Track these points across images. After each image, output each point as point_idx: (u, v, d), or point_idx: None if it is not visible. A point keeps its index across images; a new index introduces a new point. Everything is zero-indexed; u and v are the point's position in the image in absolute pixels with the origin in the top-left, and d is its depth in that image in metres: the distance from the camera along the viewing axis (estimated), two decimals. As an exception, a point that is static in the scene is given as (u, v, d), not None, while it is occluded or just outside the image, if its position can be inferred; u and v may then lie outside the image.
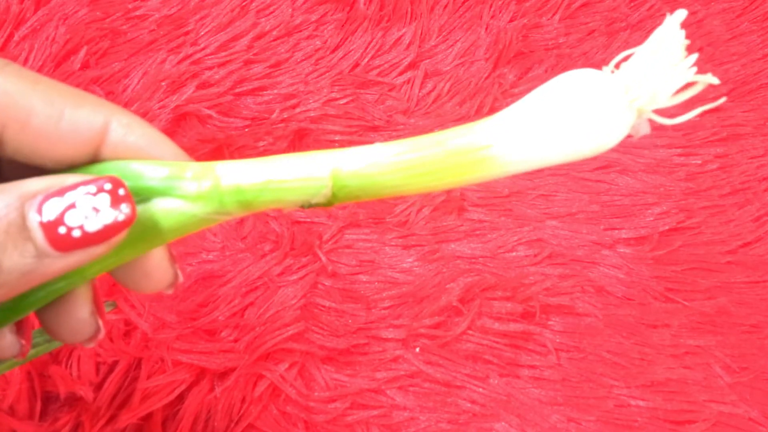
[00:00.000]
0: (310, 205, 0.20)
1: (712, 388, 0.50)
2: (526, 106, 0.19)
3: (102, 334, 0.21)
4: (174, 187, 0.19)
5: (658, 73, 0.18)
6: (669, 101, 0.18)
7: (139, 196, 0.19)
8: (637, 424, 0.47)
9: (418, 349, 0.46)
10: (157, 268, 0.21)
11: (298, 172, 0.19)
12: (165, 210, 0.19)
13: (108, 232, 0.17)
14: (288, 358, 0.44)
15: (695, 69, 0.18)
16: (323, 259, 0.48)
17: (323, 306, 0.47)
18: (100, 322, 0.21)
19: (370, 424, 0.44)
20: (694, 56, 0.18)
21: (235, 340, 0.44)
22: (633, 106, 0.18)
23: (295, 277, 0.47)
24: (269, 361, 0.44)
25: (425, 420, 0.44)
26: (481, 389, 0.46)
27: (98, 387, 0.41)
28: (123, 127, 0.20)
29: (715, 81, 0.18)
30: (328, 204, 0.20)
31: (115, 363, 0.42)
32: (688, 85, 0.18)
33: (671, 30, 0.18)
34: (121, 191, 0.18)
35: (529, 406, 0.46)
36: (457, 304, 0.48)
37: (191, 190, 0.19)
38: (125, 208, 0.17)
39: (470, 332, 0.48)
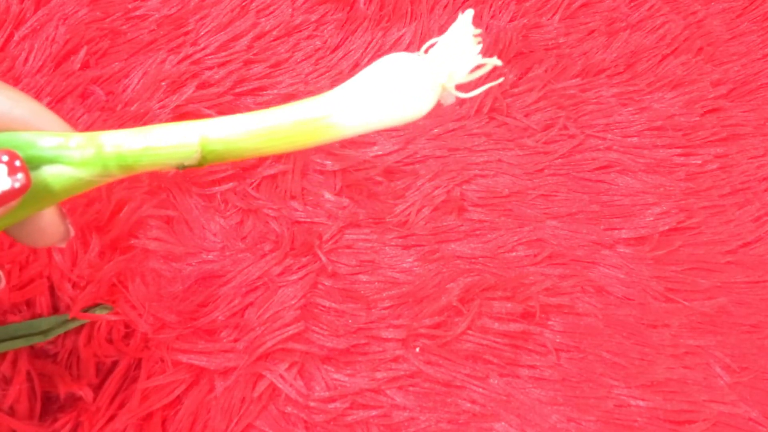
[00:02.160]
0: (184, 167, 0.23)
1: (712, 388, 0.50)
2: (356, 83, 0.24)
3: (2, 284, 0.25)
4: (61, 155, 0.22)
5: (455, 57, 0.23)
6: (465, 78, 0.24)
7: (30, 163, 0.21)
8: (637, 424, 0.47)
9: (418, 349, 0.46)
10: (50, 225, 0.24)
11: (171, 140, 0.22)
12: (54, 175, 0.22)
13: (5, 198, 0.20)
14: (288, 358, 0.44)
15: (481, 55, 0.24)
16: (323, 259, 0.48)
17: (323, 306, 0.47)
18: (1, 273, 0.25)
19: (370, 424, 0.44)
20: (480, 45, 0.23)
21: (235, 340, 0.44)
22: (437, 82, 0.24)
23: (295, 277, 0.47)
24: (269, 361, 0.44)
25: (425, 420, 0.44)
26: (481, 389, 0.46)
27: (98, 387, 0.41)
28: (9, 101, 0.22)
29: (498, 63, 0.24)
30: (199, 165, 0.23)
31: (115, 363, 0.42)
32: (480, 66, 0.24)
33: (464, 24, 0.23)
34: (17, 162, 0.20)
35: (529, 406, 0.46)
36: (457, 304, 0.48)
37: (77, 156, 0.22)
38: (21, 177, 0.20)
39: (470, 332, 0.48)
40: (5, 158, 0.20)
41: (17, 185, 0.20)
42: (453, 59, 0.23)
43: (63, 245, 0.26)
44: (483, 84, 0.25)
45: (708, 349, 0.52)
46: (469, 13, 0.24)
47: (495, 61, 0.24)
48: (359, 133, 0.24)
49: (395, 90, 0.23)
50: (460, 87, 0.24)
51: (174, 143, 0.22)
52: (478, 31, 0.24)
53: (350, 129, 0.24)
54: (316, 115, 0.23)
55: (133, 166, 0.22)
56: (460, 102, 0.59)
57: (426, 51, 0.24)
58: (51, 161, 0.22)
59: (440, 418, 0.45)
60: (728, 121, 0.65)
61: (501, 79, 0.27)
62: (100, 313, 0.41)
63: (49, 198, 0.22)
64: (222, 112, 0.53)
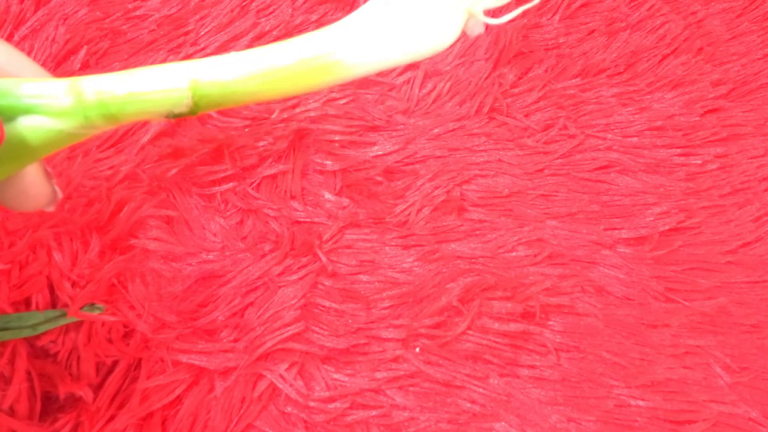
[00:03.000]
0: (175, 116, 0.20)
1: (712, 388, 0.50)
2: (366, 12, 0.20)
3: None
4: (39, 105, 0.20)
5: None
6: (495, 2, 0.20)
7: (3, 114, 0.20)
8: (637, 424, 0.47)
9: (418, 349, 0.46)
10: (33, 185, 0.22)
11: (158, 84, 0.20)
12: (32, 127, 0.20)
13: None
14: (288, 358, 0.44)
15: None
16: (323, 259, 0.48)
17: (323, 306, 0.47)
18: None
19: (370, 424, 0.44)
20: None
21: (235, 340, 0.44)
22: (462, 7, 0.20)
23: (295, 277, 0.47)
24: (269, 361, 0.44)
25: (425, 420, 0.44)
26: (481, 389, 0.46)
27: (98, 387, 0.41)
28: None
29: None
30: (191, 113, 0.20)
31: (115, 363, 0.42)
32: None
33: None
34: None
35: (529, 406, 0.46)
36: (457, 304, 0.48)
37: (55, 105, 0.20)
38: None
39: (470, 332, 0.48)
40: None
41: None
42: None
43: (51, 209, 0.24)
44: (515, 8, 0.22)
45: (708, 349, 0.52)
46: None
47: None
48: (371, 71, 0.21)
49: (413, 17, 0.20)
50: (488, 13, 0.21)
51: (161, 88, 0.20)
52: None
53: (360, 67, 0.20)
54: (319, 52, 0.20)
55: (117, 115, 0.20)
56: (461, 102, 0.59)
57: None
58: (28, 111, 0.20)
59: (440, 418, 0.45)
60: (728, 121, 0.65)
61: (536, 1, 0.23)
62: (92, 313, 0.41)
63: (28, 154, 0.20)
64: (222, 113, 0.53)
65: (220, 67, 0.20)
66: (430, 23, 0.20)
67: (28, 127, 0.20)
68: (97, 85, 0.20)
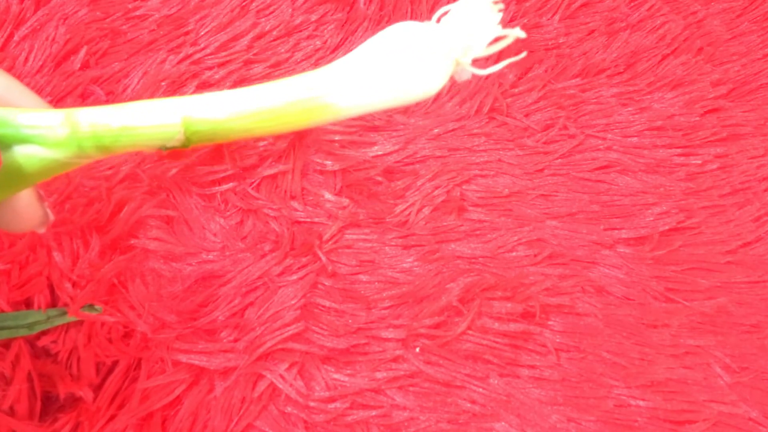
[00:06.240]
0: (167, 149, 0.21)
1: (712, 388, 0.50)
2: (357, 56, 0.21)
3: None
4: (35, 135, 0.20)
5: (471, 28, 0.20)
6: (482, 52, 0.21)
7: (0, 143, 0.20)
8: (637, 424, 0.47)
9: (418, 349, 0.46)
10: (26, 208, 0.23)
11: (151, 119, 0.20)
12: (27, 156, 0.20)
13: None
14: (288, 358, 0.44)
15: (501, 24, 0.21)
16: (323, 259, 0.48)
17: (323, 306, 0.47)
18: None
19: (370, 424, 0.44)
20: (501, 14, 0.21)
21: (235, 340, 0.44)
22: (451, 56, 0.21)
23: (295, 277, 0.47)
24: (269, 361, 0.44)
25: (425, 420, 0.44)
26: (481, 389, 0.46)
27: (98, 387, 0.41)
28: None
29: (522, 34, 0.21)
30: (183, 147, 0.21)
31: (115, 363, 0.42)
32: (499, 39, 0.21)
33: None
34: None
35: (529, 406, 0.46)
36: (457, 304, 0.48)
37: (51, 136, 0.20)
38: None
39: (470, 332, 0.48)
40: None
41: None
42: (469, 30, 0.20)
43: (42, 230, 0.25)
44: (502, 59, 0.22)
45: (708, 349, 0.52)
46: None
47: (518, 32, 0.21)
48: (359, 113, 0.21)
49: (402, 64, 0.20)
50: (476, 62, 0.21)
51: (154, 123, 0.20)
52: None
53: (348, 110, 0.21)
54: (311, 94, 0.20)
55: (111, 146, 0.20)
56: (461, 102, 0.59)
57: (438, 20, 0.21)
58: (24, 141, 0.20)
59: (440, 418, 0.45)
60: (728, 121, 0.65)
61: (524, 54, 0.23)
62: (93, 313, 0.41)
63: (23, 181, 0.21)
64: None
65: (212, 105, 0.20)
66: (420, 71, 0.20)
67: (24, 156, 0.20)
68: (92, 118, 0.20)
